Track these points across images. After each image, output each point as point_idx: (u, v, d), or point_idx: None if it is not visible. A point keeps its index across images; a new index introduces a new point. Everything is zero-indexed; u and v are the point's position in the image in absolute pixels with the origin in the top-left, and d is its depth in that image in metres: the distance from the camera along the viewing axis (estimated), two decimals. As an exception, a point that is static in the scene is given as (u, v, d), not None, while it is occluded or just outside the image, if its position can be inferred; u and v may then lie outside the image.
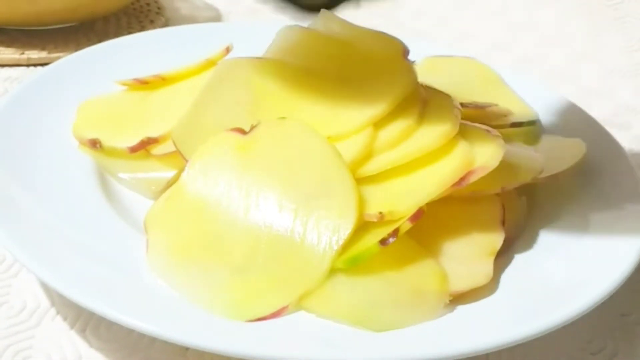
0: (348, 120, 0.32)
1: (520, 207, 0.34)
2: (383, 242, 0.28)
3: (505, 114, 0.38)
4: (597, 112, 0.48)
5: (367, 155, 0.31)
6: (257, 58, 0.36)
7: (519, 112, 0.40)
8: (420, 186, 0.30)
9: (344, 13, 0.63)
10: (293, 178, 0.30)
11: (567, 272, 0.30)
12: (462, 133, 0.32)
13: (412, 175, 0.31)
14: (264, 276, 0.28)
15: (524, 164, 0.32)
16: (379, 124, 0.32)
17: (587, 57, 0.58)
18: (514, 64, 0.45)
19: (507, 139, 0.32)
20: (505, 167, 0.31)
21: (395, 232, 0.28)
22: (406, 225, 0.28)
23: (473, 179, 0.30)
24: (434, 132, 0.31)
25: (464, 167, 0.30)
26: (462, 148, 0.31)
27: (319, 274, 0.28)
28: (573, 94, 0.51)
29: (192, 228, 0.29)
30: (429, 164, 0.31)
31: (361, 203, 0.29)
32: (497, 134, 0.32)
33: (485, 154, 0.30)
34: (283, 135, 0.31)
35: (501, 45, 0.56)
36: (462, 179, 0.29)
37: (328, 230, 0.28)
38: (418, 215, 0.28)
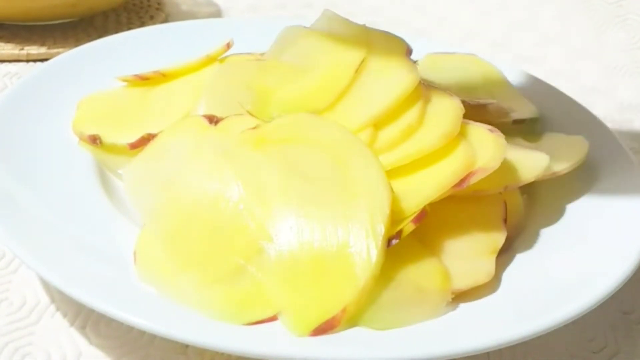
0: (348, 120, 0.32)
1: (522, 205, 0.34)
2: (387, 243, 0.28)
3: (507, 111, 0.38)
4: (599, 109, 0.48)
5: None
6: (259, 59, 0.36)
7: (521, 109, 0.40)
8: (421, 187, 0.30)
9: (345, 10, 0.63)
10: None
11: (569, 270, 0.30)
12: (464, 132, 0.31)
13: (412, 176, 0.30)
14: (258, 282, 0.27)
15: (527, 163, 0.32)
16: (379, 124, 0.32)
17: (588, 55, 0.58)
18: (515, 62, 0.45)
19: (509, 137, 0.32)
20: (508, 166, 0.31)
21: (398, 234, 0.28)
22: (410, 227, 0.28)
23: (474, 180, 0.29)
24: (435, 133, 0.31)
25: (464, 168, 0.30)
26: (463, 148, 0.31)
27: None
28: (575, 91, 0.51)
29: (181, 236, 0.29)
30: (430, 164, 0.31)
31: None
32: (500, 133, 0.32)
33: (486, 155, 0.30)
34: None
35: (502, 43, 0.56)
36: (462, 180, 0.29)
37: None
38: (421, 217, 0.28)
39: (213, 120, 0.32)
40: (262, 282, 0.27)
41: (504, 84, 0.43)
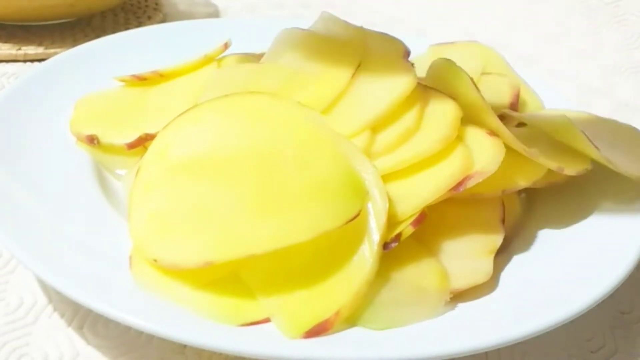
0: (345, 124, 0.31)
1: (520, 205, 0.34)
2: (385, 246, 0.28)
3: (513, 117, 0.37)
4: (597, 109, 0.48)
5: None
6: (255, 64, 0.36)
7: (523, 99, 0.40)
8: (417, 190, 0.29)
9: (343, 10, 0.63)
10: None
11: (567, 270, 0.30)
12: (462, 135, 0.31)
13: (409, 180, 0.30)
14: (249, 286, 0.27)
15: (525, 168, 0.32)
16: (377, 127, 0.31)
17: (586, 54, 0.58)
18: (513, 62, 0.45)
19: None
20: (507, 170, 0.31)
21: (397, 237, 0.28)
22: (409, 230, 0.28)
23: (471, 184, 0.29)
24: (433, 137, 0.31)
25: (461, 172, 0.29)
26: (460, 152, 0.30)
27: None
28: (573, 91, 0.51)
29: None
30: (427, 167, 0.30)
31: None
32: (498, 137, 0.31)
33: (484, 158, 0.30)
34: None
35: (500, 43, 0.56)
36: (459, 184, 0.29)
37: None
38: (420, 220, 0.28)
39: None
40: (254, 286, 0.27)
41: (506, 69, 0.43)
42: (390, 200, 0.28)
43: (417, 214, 0.28)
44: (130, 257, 0.28)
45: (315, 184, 0.28)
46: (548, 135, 0.35)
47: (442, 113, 0.32)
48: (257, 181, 0.28)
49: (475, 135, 0.32)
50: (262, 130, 0.30)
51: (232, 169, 0.29)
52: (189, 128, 0.31)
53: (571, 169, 0.33)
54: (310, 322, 0.26)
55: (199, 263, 0.27)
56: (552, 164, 0.32)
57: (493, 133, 0.32)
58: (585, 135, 0.32)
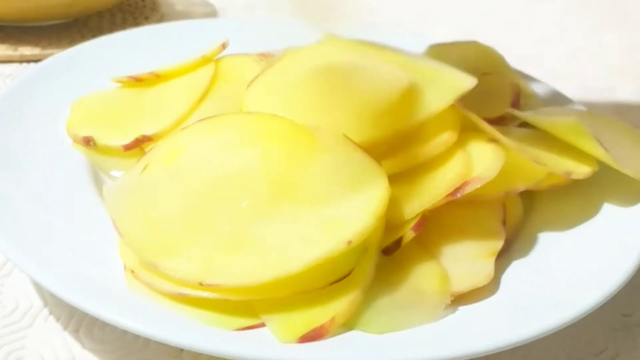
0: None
1: (521, 207, 0.34)
2: (386, 251, 0.27)
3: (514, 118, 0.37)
4: (597, 109, 0.48)
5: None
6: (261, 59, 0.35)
7: (523, 99, 0.40)
8: (415, 195, 0.29)
9: (343, 10, 0.63)
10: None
11: (568, 272, 0.30)
12: (463, 141, 0.31)
13: (407, 184, 0.30)
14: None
15: (528, 170, 0.32)
16: None
17: (586, 55, 0.58)
18: (513, 62, 0.44)
19: (513, 140, 0.31)
20: (509, 172, 0.30)
21: (398, 242, 0.28)
22: (410, 235, 0.28)
23: (468, 189, 0.29)
24: (432, 141, 0.31)
25: (460, 178, 0.29)
26: (460, 158, 0.30)
27: None
28: (572, 91, 0.51)
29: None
30: (426, 172, 0.30)
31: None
32: (499, 144, 0.31)
33: (483, 164, 0.30)
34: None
35: (500, 44, 0.56)
36: (457, 190, 0.29)
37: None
38: (421, 224, 0.28)
39: None
40: (249, 291, 0.26)
41: (506, 68, 0.43)
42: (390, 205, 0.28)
43: (418, 218, 0.28)
44: (124, 263, 0.28)
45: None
46: (552, 135, 0.34)
47: (442, 117, 0.32)
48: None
49: (476, 141, 0.31)
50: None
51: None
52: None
53: (578, 174, 0.32)
54: (304, 328, 0.25)
55: (194, 282, 0.26)
56: (560, 170, 0.32)
57: (494, 139, 0.31)
58: (595, 137, 0.32)
